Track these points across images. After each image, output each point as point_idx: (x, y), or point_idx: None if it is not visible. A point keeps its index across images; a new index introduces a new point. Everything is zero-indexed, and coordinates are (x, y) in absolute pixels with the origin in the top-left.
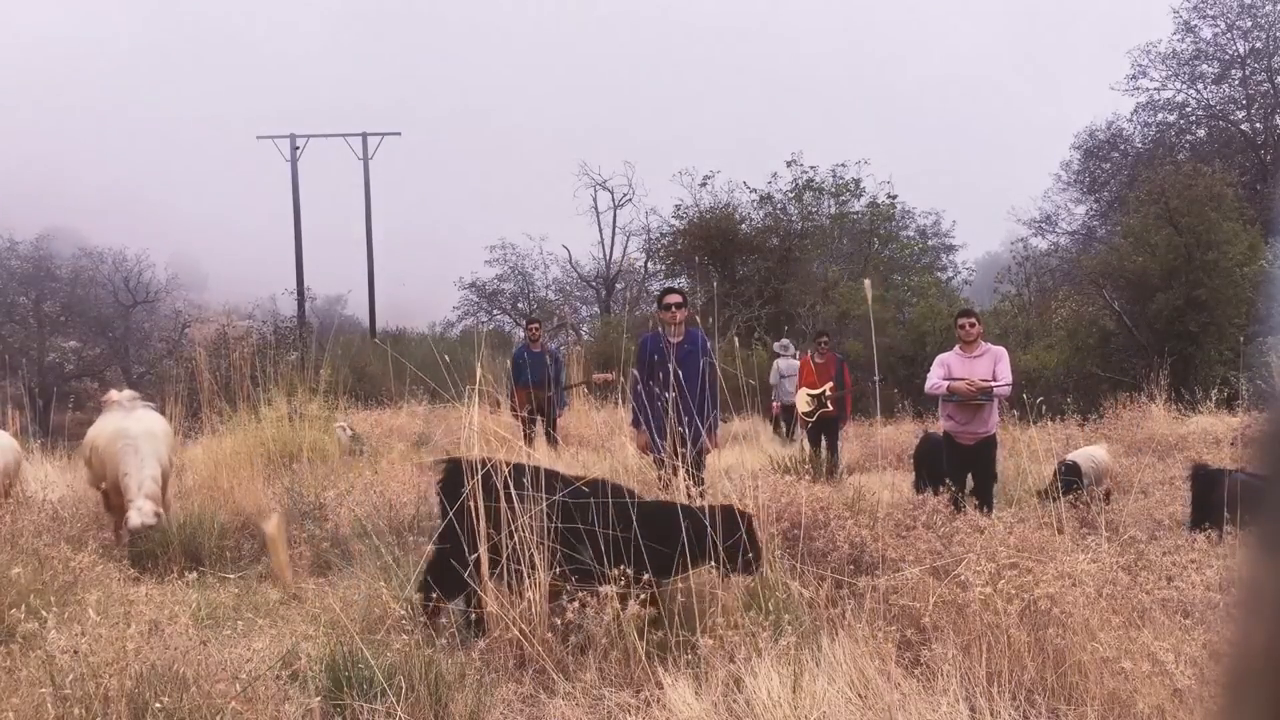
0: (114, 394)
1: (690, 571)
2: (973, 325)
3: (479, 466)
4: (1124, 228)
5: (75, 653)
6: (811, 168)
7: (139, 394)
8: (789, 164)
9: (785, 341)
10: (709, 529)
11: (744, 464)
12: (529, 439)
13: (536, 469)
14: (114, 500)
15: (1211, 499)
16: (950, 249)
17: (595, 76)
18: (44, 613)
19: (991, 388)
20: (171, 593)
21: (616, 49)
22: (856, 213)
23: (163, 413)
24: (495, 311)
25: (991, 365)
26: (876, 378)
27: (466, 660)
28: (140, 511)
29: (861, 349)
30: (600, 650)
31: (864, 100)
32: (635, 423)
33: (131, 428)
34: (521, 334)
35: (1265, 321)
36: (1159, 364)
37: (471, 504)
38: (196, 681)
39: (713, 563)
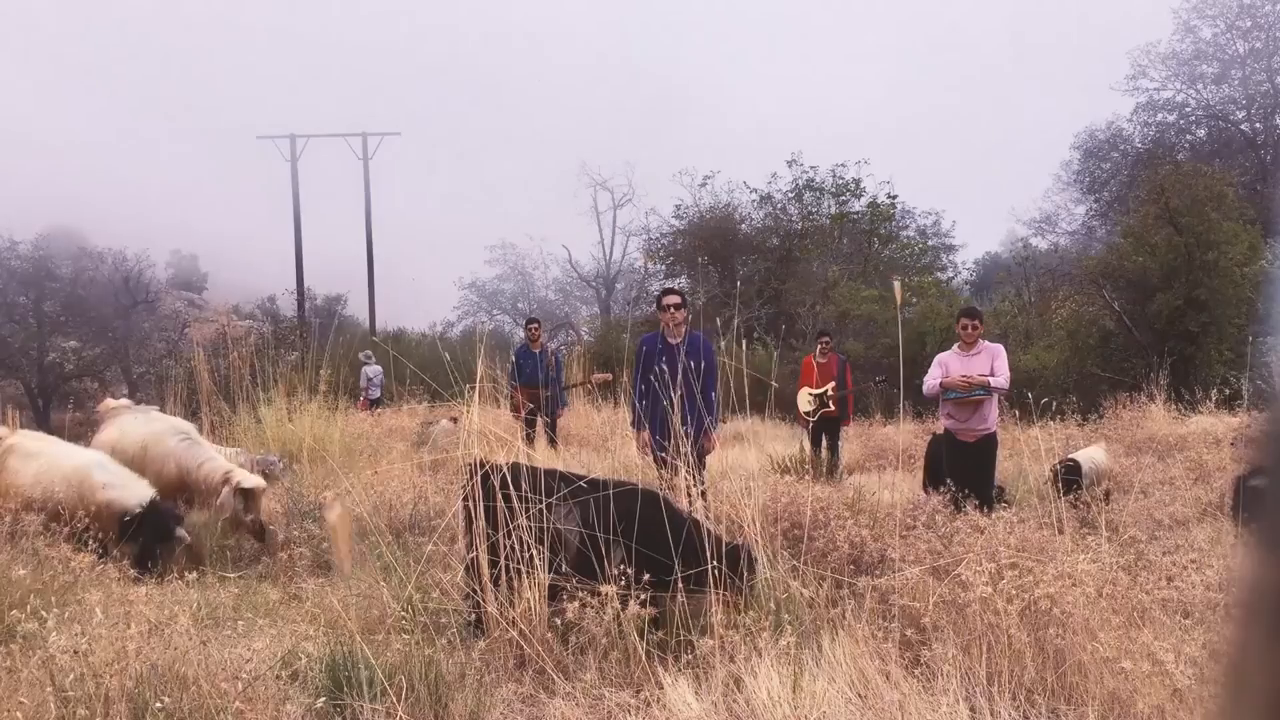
0: (110, 401)
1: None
2: (975, 328)
3: (508, 470)
4: (1124, 228)
5: (76, 653)
6: (812, 168)
7: (131, 399)
8: (789, 164)
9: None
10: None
11: (745, 464)
12: (529, 439)
13: (553, 471)
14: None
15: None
16: (950, 249)
17: (596, 75)
18: (44, 613)
19: (988, 382)
20: (171, 593)
21: (617, 48)
22: (856, 213)
23: (162, 413)
24: (495, 311)
25: (989, 362)
26: (879, 379)
27: (466, 660)
28: (250, 476)
29: (862, 350)
30: (600, 650)
31: (864, 99)
32: (635, 423)
33: (159, 427)
34: (521, 334)
35: (1265, 321)
36: (1159, 364)
37: (498, 507)
38: (197, 681)
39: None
